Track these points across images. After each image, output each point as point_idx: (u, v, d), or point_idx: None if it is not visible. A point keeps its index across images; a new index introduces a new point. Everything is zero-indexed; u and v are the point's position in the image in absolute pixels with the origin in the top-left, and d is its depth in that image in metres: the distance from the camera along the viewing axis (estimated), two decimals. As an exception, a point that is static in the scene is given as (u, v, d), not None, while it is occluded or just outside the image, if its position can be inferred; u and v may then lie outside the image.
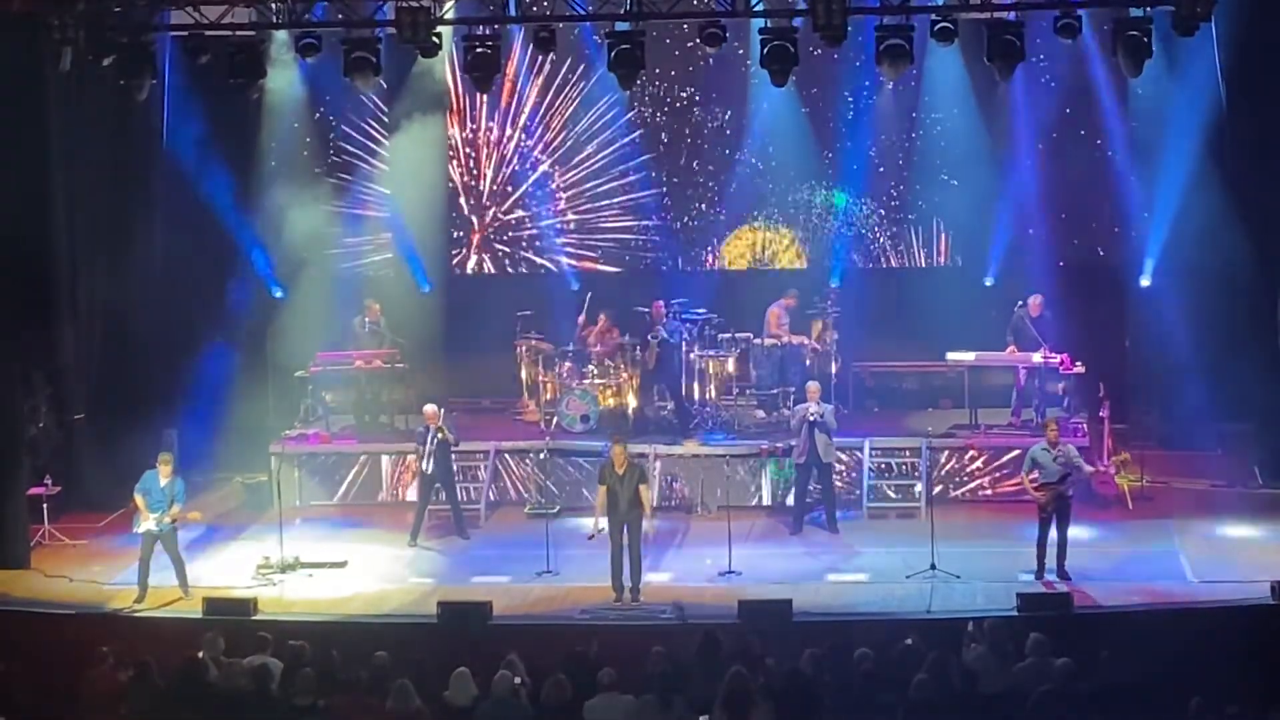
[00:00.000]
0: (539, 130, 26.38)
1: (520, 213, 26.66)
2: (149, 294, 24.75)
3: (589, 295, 25.40)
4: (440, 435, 21.99)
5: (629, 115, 26.12)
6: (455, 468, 22.65)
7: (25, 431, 22.40)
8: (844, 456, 23.06)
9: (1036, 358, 23.59)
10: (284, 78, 24.82)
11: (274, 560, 21.03)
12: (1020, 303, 24.05)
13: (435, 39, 20.82)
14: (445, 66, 25.04)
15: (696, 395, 24.58)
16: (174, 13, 21.20)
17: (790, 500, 22.73)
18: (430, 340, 25.94)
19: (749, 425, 24.48)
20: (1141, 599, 19.29)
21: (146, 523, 20.12)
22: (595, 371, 24.61)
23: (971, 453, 23.36)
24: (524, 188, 26.55)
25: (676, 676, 16.07)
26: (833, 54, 23.45)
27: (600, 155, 26.34)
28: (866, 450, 23.33)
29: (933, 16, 20.39)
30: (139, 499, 20.21)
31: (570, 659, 16.66)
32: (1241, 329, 23.56)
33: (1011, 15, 20.26)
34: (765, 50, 20.47)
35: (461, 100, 26.40)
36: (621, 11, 20.61)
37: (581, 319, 25.12)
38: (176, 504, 20.19)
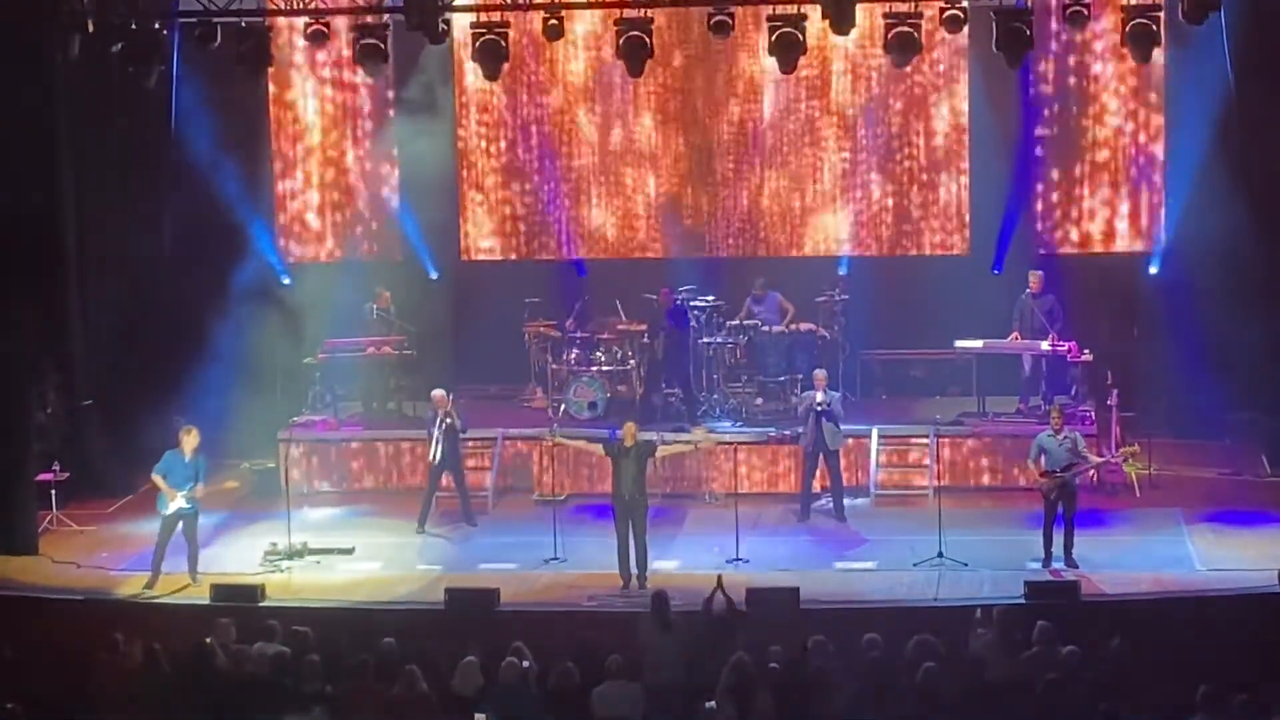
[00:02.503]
0: (552, 114, 26.31)
1: (529, 198, 26.60)
2: (157, 280, 24.83)
3: (580, 302, 25.39)
4: (449, 421, 22.03)
5: (638, 98, 26.05)
6: (463, 455, 22.71)
7: (34, 418, 22.44)
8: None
9: (1045, 345, 23.58)
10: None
11: (281, 546, 21.06)
12: (1025, 289, 24.07)
13: (444, 25, 20.83)
14: (454, 50, 25.01)
15: (704, 383, 24.58)
16: (182, -1, 21.26)
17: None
18: (438, 327, 25.93)
19: (756, 413, 24.48)
20: (1149, 587, 19.29)
21: (175, 502, 20.17)
22: (603, 359, 24.61)
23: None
24: (532, 172, 26.49)
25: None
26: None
27: (609, 139, 26.29)
28: (874, 438, 23.34)
29: (941, 4, 20.38)
30: (159, 480, 20.25)
31: (578, 646, 16.69)
32: (1250, 318, 23.53)
33: (1020, 2, 20.24)
34: (774, 38, 20.49)
35: (470, 83, 26.31)
36: (630, -1, 20.63)
37: (570, 323, 25.07)
38: (199, 483, 20.33)
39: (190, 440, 20.44)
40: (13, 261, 21.88)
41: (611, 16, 21.42)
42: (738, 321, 24.75)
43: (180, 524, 20.33)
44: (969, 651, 16.19)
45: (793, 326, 24.78)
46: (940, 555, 20.03)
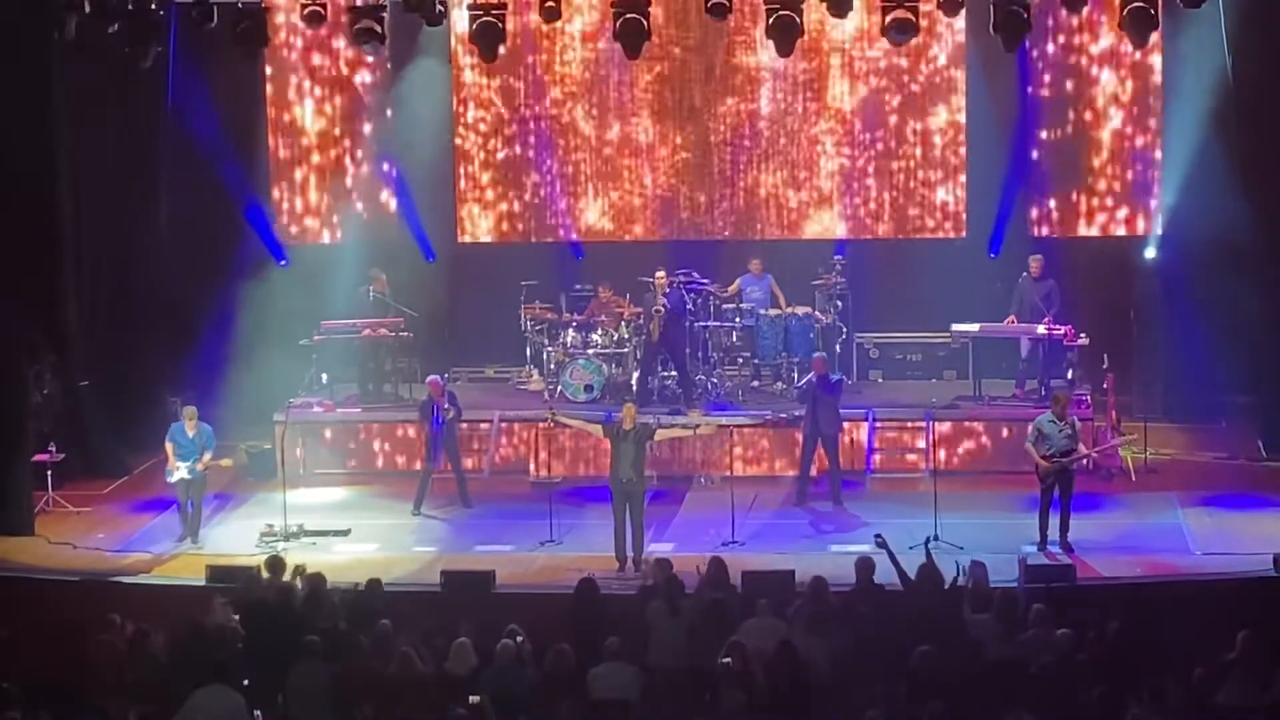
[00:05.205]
0: (549, 96, 26.26)
1: (526, 180, 26.54)
2: (153, 260, 24.85)
3: (574, 289, 25.44)
4: (448, 414, 22.05)
5: (636, 81, 26.01)
6: (459, 437, 22.73)
7: (30, 398, 22.43)
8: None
9: (1041, 329, 23.58)
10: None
11: (278, 528, 21.10)
12: (1024, 273, 24.08)
13: (441, 7, 20.81)
14: (452, 31, 24.97)
15: (700, 366, 24.58)
16: (179, -21, 21.20)
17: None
18: (435, 310, 25.92)
19: (752, 396, 24.50)
20: (1144, 571, 19.33)
21: (179, 472, 20.96)
22: (600, 341, 24.61)
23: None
24: (530, 154, 26.43)
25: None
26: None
27: (606, 122, 26.24)
28: (870, 421, 23.35)
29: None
30: (169, 447, 21.12)
31: (574, 627, 16.72)
32: (1246, 301, 23.55)
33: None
34: (771, 21, 20.48)
35: (467, 65, 26.26)
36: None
37: (568, 314, 25.09)
38: (207, 451, 21.11)
39: (190, 422, 21.15)
40: (9, 241, 21.87)
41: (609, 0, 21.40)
42: (728, 293, 24.77)
43: (187, 491, 21.07)
44: (966, 633, 16.18)
45: (789, 310, 24.78)
46: (936, 538, 19.91)
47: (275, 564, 18.18)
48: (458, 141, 26.46)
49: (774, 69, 25.52)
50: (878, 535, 17.66)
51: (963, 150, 25.70)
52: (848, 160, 25.93)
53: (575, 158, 26.35)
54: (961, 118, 25.62)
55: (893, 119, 25.78)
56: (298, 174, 26.33)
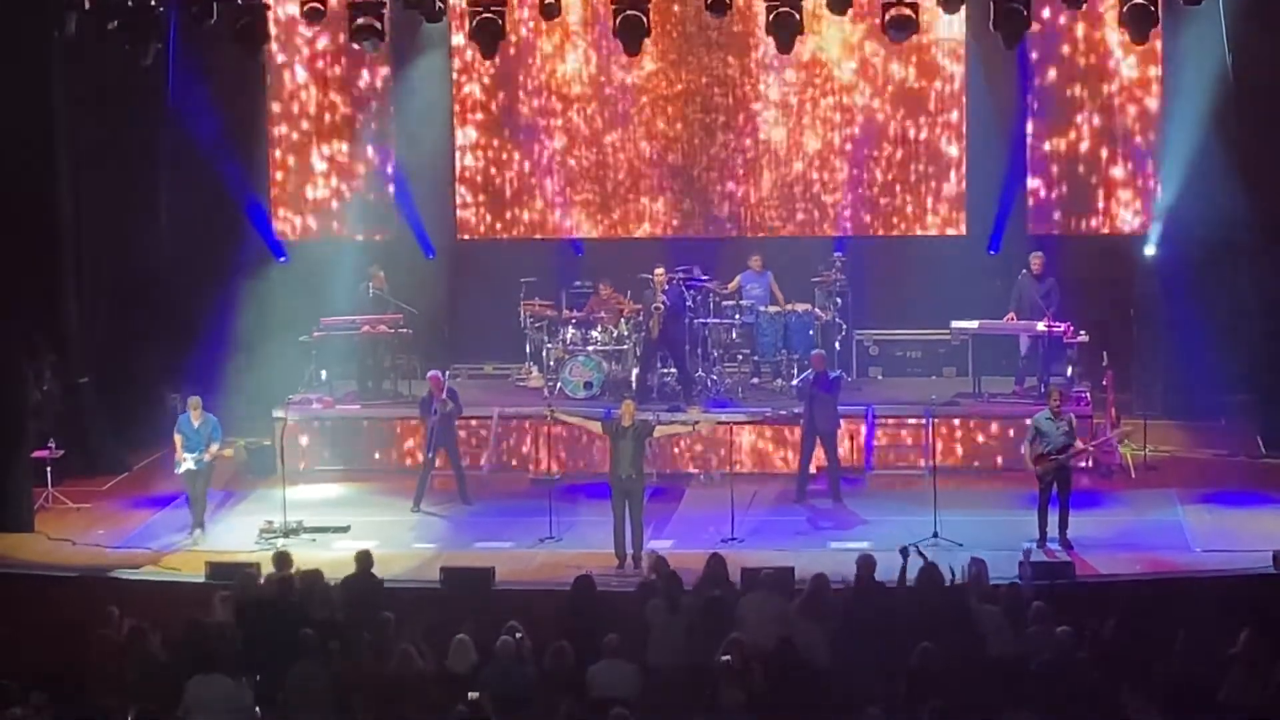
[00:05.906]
0: (548, 93, 26.25)
1: (525, 177, 26.51)
2: (153, 258, 24.84)
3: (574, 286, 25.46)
4: (447, 408, 22.06)
5: (635, 76, 26.01)
6: (459, 434, 22.73)
7: (29, 395, 22.43)
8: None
9: (1040, 326, 23.58)
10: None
11: (277, 524, 21.09)
12: (1024, 270, 24.08)
13: (440, 3, 20.81)
14: (452, 27, 24.96)
15: (700, 363, 24.58)
16: (179, -24, 21.19)
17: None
18: (434, 307, 25.92)
19: (752, 393, 24.50)
20: (1144, 568, 19.32)
21: (185, 464, 21.07)
22: (599, 338, 24.62)
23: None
24: (529, 151, 26.41)
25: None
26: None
27: (606, 117, 26.24)
28: (870, 418, 23.35)
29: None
30: (177, 439, 21.17)
31: (573, 624, 16.73)
32: (1246, 299, 23.57)
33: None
34: (770, 17, 20.47)
35: (467, 61, 26.26)
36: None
37: (568, 312, 25.11)
38: (214, 442, 21.20)
39: (195, 412, 21.25)
40: (9, 239, 21.86)
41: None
42: (728, 291, 24.76)
43: (194, 482, 21.20)
44: (971, 628, 16.19)
45: (789, 307, 24.78)
46: (935, 535, 19.99)
47: (282, 560, 18.14)
48: (456, 137, 26.42)
49: (775, 64, 25.48)
50: (903, 547, 17.63)
51: (963, 147, 25.65)
52: (848, 158, 25.90)
53: (575, 154, 26.28)
54: (962, 115, 25.56)
55: (893, 118, 25.74)
56: (297, 171, 26.30)
